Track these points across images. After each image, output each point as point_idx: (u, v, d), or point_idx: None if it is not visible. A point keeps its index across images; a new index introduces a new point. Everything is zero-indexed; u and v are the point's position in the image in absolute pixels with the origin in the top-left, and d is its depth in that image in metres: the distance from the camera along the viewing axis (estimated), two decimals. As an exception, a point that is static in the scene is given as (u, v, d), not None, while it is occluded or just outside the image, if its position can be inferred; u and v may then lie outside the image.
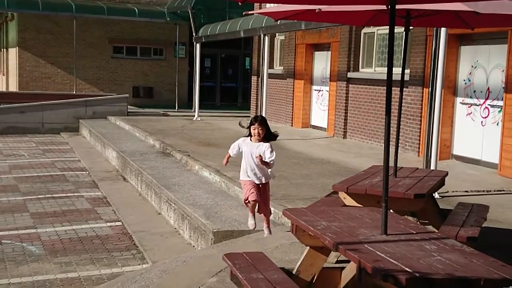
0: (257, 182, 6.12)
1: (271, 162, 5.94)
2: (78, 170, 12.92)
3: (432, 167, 8.30)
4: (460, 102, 11.36)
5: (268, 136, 6.08)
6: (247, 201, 6.14)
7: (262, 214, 6.35)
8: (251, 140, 6.10)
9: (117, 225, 8.54)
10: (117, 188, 10.95)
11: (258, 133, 6.05)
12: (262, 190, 6.17)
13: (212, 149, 12.59)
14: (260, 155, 5.91)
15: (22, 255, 7.18)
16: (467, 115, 11.21)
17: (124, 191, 10.74)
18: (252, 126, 6.09)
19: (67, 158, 14.54)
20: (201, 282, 4.85)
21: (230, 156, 6.24)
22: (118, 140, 14.62)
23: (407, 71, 11.98)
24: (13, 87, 26.18)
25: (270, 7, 14.01)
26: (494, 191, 8.73)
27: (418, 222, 5.41)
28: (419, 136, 11.84)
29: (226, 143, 13.94)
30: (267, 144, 6.02)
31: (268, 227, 6.45)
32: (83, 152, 15.32)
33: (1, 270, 6.62)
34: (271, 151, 5.99)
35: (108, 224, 8.62)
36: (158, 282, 4.98)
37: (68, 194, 10.49)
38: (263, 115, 14.68)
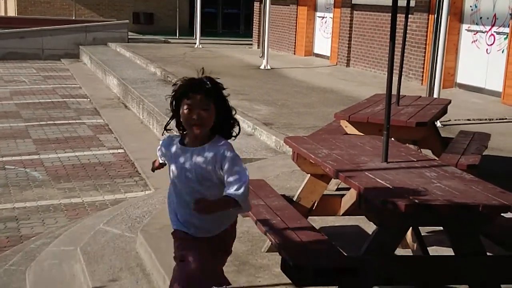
0: (199, 235, 2.78)
1: (241, 198, 2.61)
2: (79, 97, 12.89)
3: (435, 96, 8.26)
4: (466, 29, 11.17)
5: (221, 126, 2.73)
6: None
7: None
8: (184, 142, 2.78)
9: (119, 152, 8.59)
10: (118, 116, 10.95)
11: (200, 118, 2.65)
12: (211, 248, 2.79)
13: (214, 77, 12.47)
14: (200, 200, 2.58)
15: (25, 180, 7.26)
16: (472, 42, 11.04)
17: (125, 118, 10.75)
18: (185, 101, 2.69)
19: (68, 84, 14.47)
20: (202, 208, 4.91)
21: (159, 163, 3.03)
22: (119, 67, 14.50)
23: (413, -3, 11.71)
24: (12, 12, 25.75)
25: None
26: (497, 119, 8.72)
27: (419, 150, 5.43)
28: (423, 64, 11.71)
29: (228, 72, 13.92)
30: (225, 148, 2.68)
31: None
32: (84, 79, 15.23)
33: (5, 195, 6.71)
34: (239, 167, 2.65)
35: (111, 151, 8.67)
36: (160, 208, 5.05)
37: (70, 121, 10.50)
38: (265, 42, 14.44)
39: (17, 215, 6.14)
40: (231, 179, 2.64)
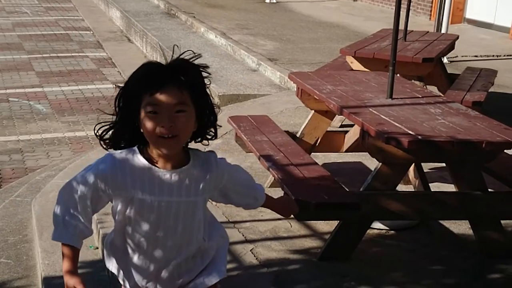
0: None
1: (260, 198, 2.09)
2: (82, 29, 12.72)
3: (443, 31, 8.13)
4: (477, -37, 10.87)
5: (200, 131, 1.83)
6: None
7: None
8: (154, 163, 1.78)
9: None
10: (122, 49, 10.84)
11: (174, 127, 1.72)
12: None
13: (218, 10, 12.28)
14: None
15: (29, 113, 7.26)
16: (483, -23, 10.76)
17: (129, 52, 10.64)
18: (148, 101, 1.73)
19: (71, 16, 14.25)
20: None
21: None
22: (122, -1, 14.25)
23: None
24: None
25: None
26: (504, 56, 8.61)
27: (424, 87, 5.39)
28: (432, -1, 11.46)
29: (232, 5, 13.67)
30: (225, 164, 1.93)
31: None
32: (86, 11, 14.99)
33: (10, 127, 6.74)
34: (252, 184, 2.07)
35: (114, 85, 8.63)
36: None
37: (73, 54, 10.41)
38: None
39: (21, 148, 6.17)
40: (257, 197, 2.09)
